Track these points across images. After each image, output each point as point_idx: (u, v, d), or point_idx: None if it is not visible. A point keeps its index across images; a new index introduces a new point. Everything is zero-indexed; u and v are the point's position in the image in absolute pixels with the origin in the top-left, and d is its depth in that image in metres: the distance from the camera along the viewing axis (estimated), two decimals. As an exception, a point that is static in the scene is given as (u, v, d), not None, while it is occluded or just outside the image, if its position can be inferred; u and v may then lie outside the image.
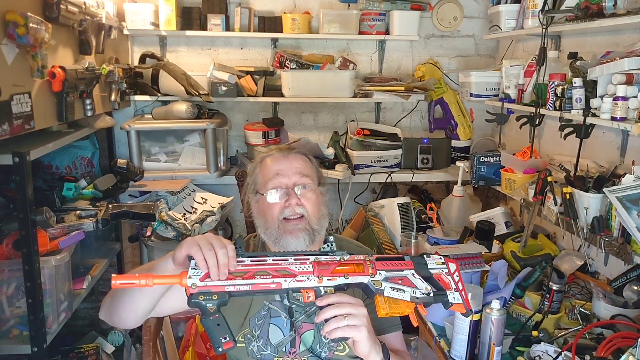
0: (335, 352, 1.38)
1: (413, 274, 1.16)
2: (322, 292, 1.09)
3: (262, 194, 1.43)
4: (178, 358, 1.65)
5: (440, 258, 1.23)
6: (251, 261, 1.08)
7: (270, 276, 1.06)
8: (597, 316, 1.79)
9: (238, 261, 1.07)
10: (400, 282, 1.13)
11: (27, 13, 1.56)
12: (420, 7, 3.00)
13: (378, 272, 1.13)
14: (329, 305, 1.08)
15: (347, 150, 2.96)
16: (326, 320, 1.08)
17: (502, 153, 2.61)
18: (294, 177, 1.41)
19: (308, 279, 1.08)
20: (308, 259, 1.12)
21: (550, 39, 2.41)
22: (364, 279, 1.12)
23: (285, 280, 1.07)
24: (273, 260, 1.10)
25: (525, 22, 2.51)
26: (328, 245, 1.18)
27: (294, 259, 1.11)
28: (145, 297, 1.20)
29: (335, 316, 1.08)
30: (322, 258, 1.14)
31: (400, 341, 1.47)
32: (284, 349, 1.37)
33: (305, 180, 1.42)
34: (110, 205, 2.18)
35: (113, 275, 1.01)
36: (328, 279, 1.09)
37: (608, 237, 1.83)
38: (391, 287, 1.12)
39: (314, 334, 1.38)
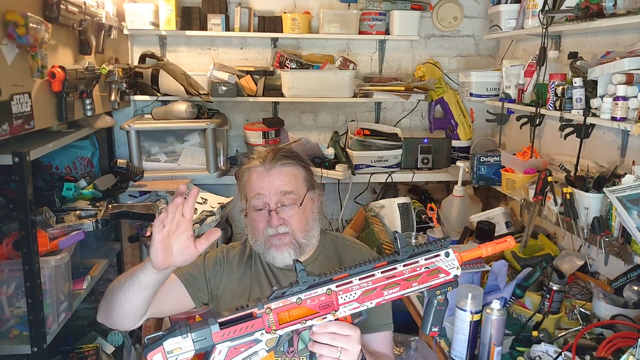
0: None
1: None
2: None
3: (246, 212, 1.43)
4: None
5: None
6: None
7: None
8: (597, 316, 1.79)
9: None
10: None
11: (27, 13, 1.56)
12: (421, 7, 2.99)
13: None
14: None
15: (347, 150, 2.96)
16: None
17: (503, 153, 2.61)
18: (275, 197, 1.37)
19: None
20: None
21: (550, 39, 2.41)
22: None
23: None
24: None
25: (526, 22, 2.51)
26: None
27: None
28: (137, 295, 1.19)
29: (330, 344, 1.05)
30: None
31: (387, 342, 1.44)
32: (282, 348, 1.37)
33: (288, 199, 1.38)
34: (110, 205, 2.18)
35: None
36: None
37: (608, 237, 1.83)
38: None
39: None
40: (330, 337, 1.04)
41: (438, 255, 1.07)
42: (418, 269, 1.05)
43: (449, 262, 1.06)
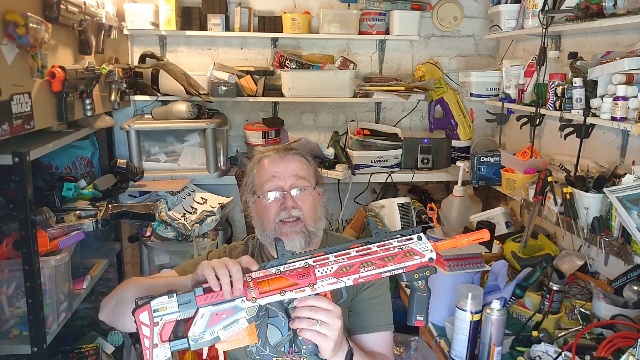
0: None
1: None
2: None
3: (259, 196, 1.43)
4: (178, 358, 1.65)
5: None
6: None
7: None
8: (597, 316, 1.80)
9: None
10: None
11: (27, 13, 1.56)
12: (421, 7, 2.99)
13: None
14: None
15: (347, 150, 2.96)
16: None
17: (503, 153, 2.61)
18: (290, 180, 1.41)
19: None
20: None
21: (550, 39, 2.41)
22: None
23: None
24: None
25: (526, 22, 2.51)
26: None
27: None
28: None
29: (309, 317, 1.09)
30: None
31: (387, 343, 1.44)
32: (282, 349, 1.37)
33: (302, 183, 1.41)
34: (110, 205, 2.18)
35: None
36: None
37: (608, 237, 1.83)
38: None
39: None
40: (309, 310, 1.09)
41: (411, 239, 1.13)
42: (391, 249, 1.11)
43: (422, 245, 1.12)
